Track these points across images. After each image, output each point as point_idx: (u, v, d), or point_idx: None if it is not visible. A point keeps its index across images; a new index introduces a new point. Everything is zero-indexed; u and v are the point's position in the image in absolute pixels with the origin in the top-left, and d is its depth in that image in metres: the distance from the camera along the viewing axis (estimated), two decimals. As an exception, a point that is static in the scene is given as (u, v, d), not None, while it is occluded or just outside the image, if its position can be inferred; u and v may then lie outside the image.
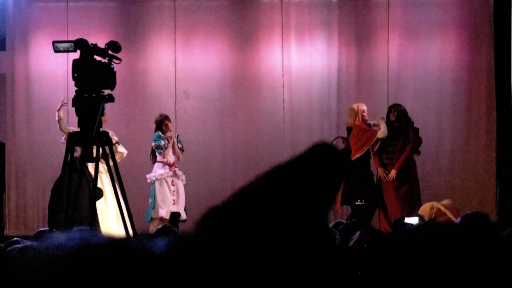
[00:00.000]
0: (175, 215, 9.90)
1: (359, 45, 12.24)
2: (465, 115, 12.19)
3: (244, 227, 1.06)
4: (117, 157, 8.48)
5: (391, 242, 2.96)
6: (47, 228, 6.43)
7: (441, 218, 9.44)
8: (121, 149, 10.26)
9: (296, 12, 12.24)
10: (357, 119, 10.36)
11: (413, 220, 6.83)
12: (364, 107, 10.47)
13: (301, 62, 12.22)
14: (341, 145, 10.39)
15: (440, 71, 12.22)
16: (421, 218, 6.90)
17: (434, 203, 9.83)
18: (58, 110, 10.08)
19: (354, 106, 10.55)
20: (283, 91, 12.14)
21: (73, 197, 5.99)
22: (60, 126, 10.07)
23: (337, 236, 4.78)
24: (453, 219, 9.39)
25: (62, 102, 10.07)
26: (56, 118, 10.10)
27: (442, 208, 9.65)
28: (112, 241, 0.98)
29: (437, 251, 2.02)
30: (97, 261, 0.95)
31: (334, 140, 10.33)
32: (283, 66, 12.16)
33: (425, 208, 9.71)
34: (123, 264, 0.95)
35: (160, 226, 6.82)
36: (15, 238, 5.19)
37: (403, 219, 6.80)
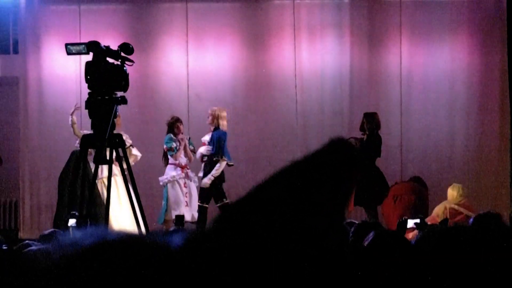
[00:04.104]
0: (180, 218, 9.87)
1: (371, 45, 12.21)
2: (478, 116, 12.15)
3: (259, 224, 1.05)
4: (131, 160, 8.50)
5: (408, 247, 2.94)
6: (52, 230, 6.38)
7: (457, 217, 9.39)
8: (135, 152, 10.28)
9: (308, 13, 12.23)
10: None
11: (415, 221, 6.93)
12: (219, 113, 10.58)
13: (313, 63, 12.20)
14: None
15: (453, 72, 12.18)
16: (422, 219, 6.98)
17: (447, 204, 9.76)
18: (72, 114, 10.09)
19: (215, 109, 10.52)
20: (296, 92, 12.12)
21: (87, 198, 5.99)
22: (73, 130, 10.07)
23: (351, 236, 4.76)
24: (471, 214, 9.32)
25: (75, 106, 10.07)
26: (70, 123, 10.11)
27: (456, 207, 9.60)
28: (128, 237, 0.98)
29: (452, 254, 2.00)
30: (113, 257, 0.94)
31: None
32: (295, 67, 12.15)
33: (438, 210, 9.69)
34: (139, 260, 0.94)
35: (172, 228, 6.82)
36: (27, 241, 5.17)
37: (406, 221, 6.88)
